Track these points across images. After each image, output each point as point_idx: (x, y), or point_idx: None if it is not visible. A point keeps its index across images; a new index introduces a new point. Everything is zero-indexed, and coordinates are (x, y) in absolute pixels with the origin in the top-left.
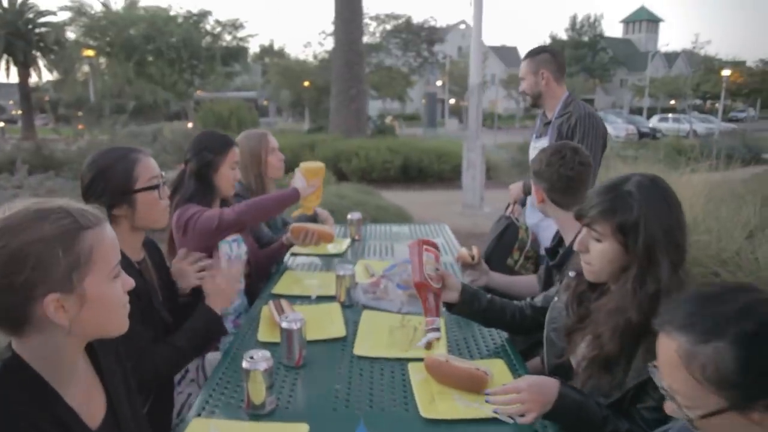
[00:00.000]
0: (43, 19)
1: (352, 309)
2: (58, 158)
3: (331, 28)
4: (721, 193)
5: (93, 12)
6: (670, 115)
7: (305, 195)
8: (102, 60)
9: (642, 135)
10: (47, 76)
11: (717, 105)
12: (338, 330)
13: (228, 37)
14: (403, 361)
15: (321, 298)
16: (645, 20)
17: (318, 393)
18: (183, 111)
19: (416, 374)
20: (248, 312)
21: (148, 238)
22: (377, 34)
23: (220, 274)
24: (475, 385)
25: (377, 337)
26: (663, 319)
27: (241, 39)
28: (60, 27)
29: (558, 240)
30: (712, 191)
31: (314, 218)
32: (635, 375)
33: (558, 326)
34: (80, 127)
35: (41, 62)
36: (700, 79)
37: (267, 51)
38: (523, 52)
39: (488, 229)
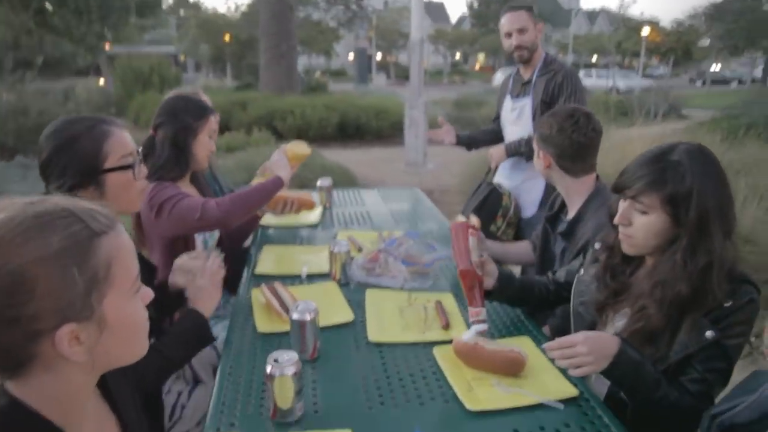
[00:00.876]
0: None
1: (348, 287)
2: None
3: None
4: None
5: None
6: (593, 71)
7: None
8: None
9: None
10: None
11: (635, 62)
12: (345, 314)
13: None
14: (426, 345)
15: (312, 277)
16: None
17: (344, 391)
18: (93, 66)
19: (445, 360)
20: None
21: None
22: None
23: (201, 272)
24: (513, 368)
25: (389, 319)
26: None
27: None
28: None
29: (560, 206)
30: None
31: None
32: (680, 348)
33: (586, 300)
34: None
35: None
36: (623, 37)
37: (182, 2)
38: (449, 8)
39: (434, 186)
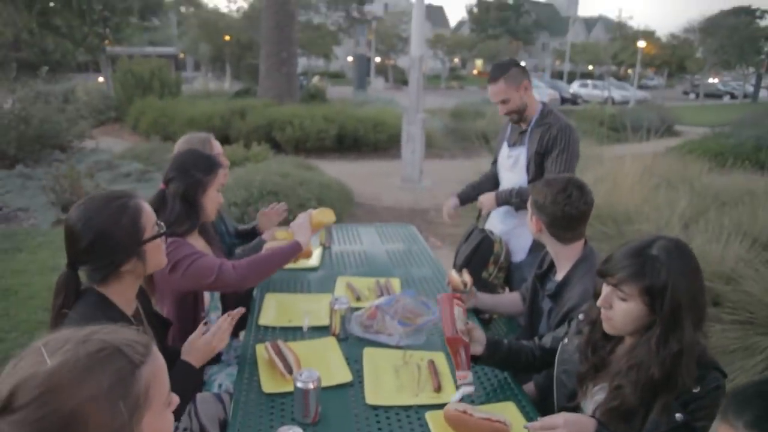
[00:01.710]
0: None
1: (347, 342)
2: None
3: None
4: (655, 178)
5: None
6: (589, 81)
7: (307, 248)
8: None
9: (564, 100)
10: None
11: (630, 71)
12: (344, 375)
13: None
14: (419, 409)
15: (313, 329)
16: None
17: None
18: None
19: (437, 426)
20: (237, 342)
21: None
22: None
23: (209, 332)
24: None
25: (385, 379)
26: (728, 411)
27: None
28: None
29: (549, 265)
30: (644, 176)
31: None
32: (651, 428)
33: (569, 369)
34: None
35: None
36: (619, 48)
37: None
38: (449, 12)
39: (430, 204)
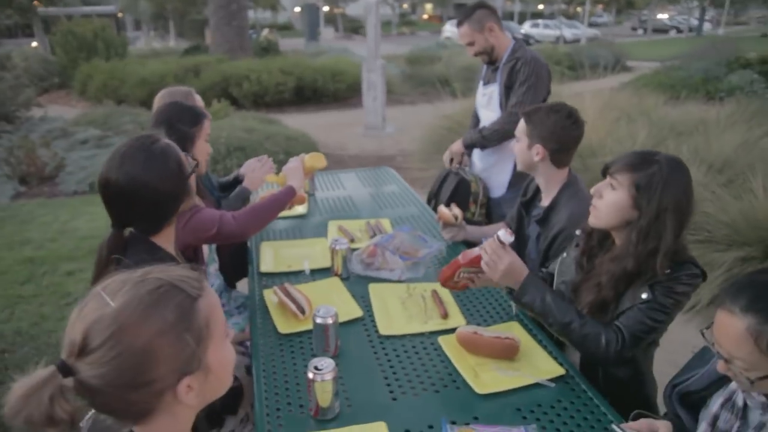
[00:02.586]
0: None
1: (350, 281)
2: None
3: None
4: (615, 112)
5: None
6: (540, 21)
7: (301, 192)
8: None
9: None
10: None
11: (579, 9)
12: (354, 310)
13: None
14: (430, 335)
15: (314, 272)
16: None
17: (369, 384)
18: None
19: (450, 349)
20: (234, 293)
21: None
22: None
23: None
24: (508, 353)
25: (393, 311)
26: (726, 300)
27: None
28: None
29: (534, 192)
30: (605, 111)
31: None
32: (621, 308)
33: (566, 280)
34: None
35: None
36: None
37: None
38: None
39: (395, 151)
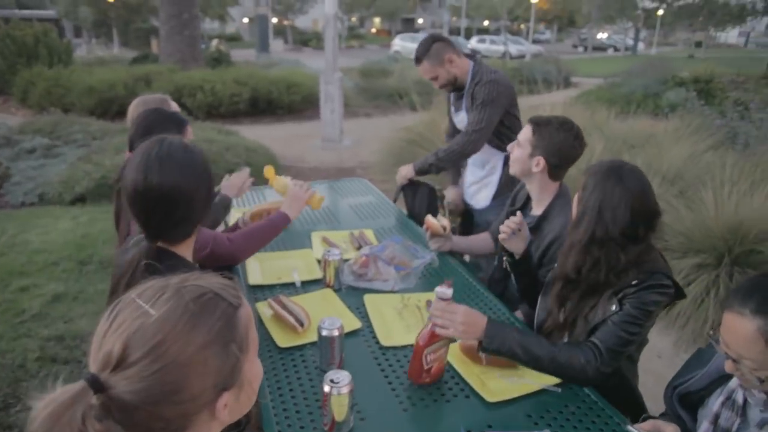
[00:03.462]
0: None
1: (343, 292)
2: None
3: None
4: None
5: None
6: (486, 37)
7: (294, 217)
8: None
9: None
10: None
11: (522, 27)
12: (352, 321)
13: None
14: None
15: (304, 284)
16: None
17: (378, 396)
18: None
19: (454, 358)
20: None
21: None
22: None
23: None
24: (509, 361)
25: (391, 322)
26: (735, 303)
27: None
28: None
29: (524, 202)
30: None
31: None
32: (590, 321)
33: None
34: None
35: None
36: (514, 3)
37: None
38: None
39: (355, 163)
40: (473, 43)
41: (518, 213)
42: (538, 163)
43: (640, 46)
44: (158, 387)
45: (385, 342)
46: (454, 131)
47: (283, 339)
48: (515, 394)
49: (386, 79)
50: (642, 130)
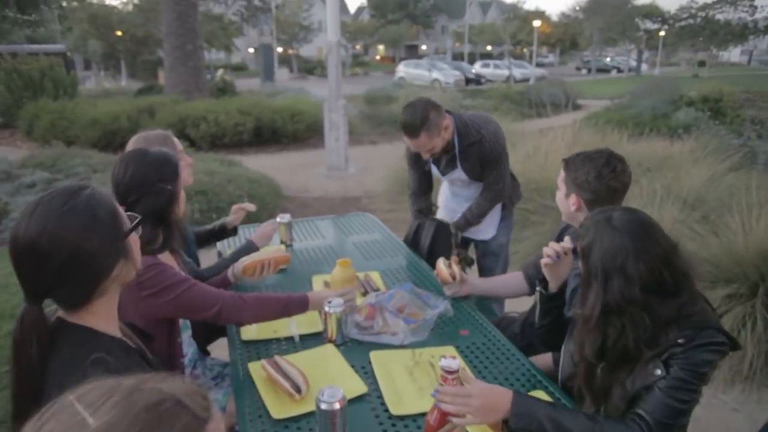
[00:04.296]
0: None
1: (346, 347)
2: None
3: None
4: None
5: None
6: (490, 61)
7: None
8: None
9: (468, 81)
10: None
11: (525, 50)
12: (357, 385)
13: None
14: None
15: (303, 337)
16: None
17: None
18: None
19: (476, 428)
20: (217, 367)
21: None
22: None
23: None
24: None
25: (402, 385)
26: None
27: None
28: None
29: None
30: (573, 148)
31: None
32: (631, 387)
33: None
34: None
35: None
36: (516, 28)
37: None
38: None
39: (360, 192)
40: (477, 68)
41: (567, 238)
42: (574, 202)
43: (644, 67)
44: None
45: (395, 410)
46: (426, 187)
47: (278, 409)
48: None
49: (391, 106)
50: (656, 152)
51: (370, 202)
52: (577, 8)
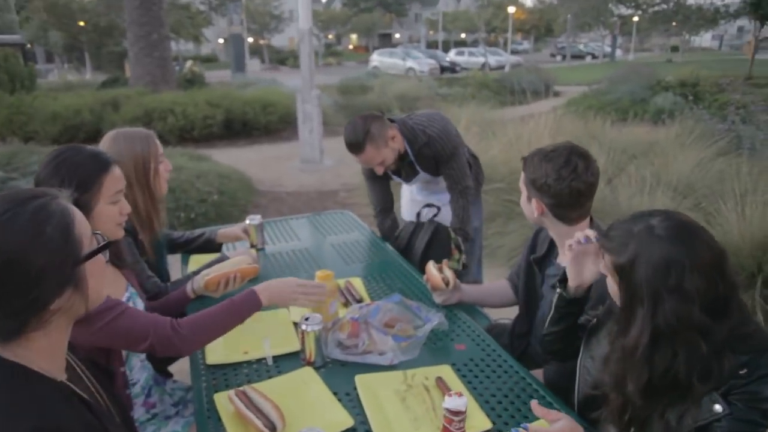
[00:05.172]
0: None
1: (327, 370)
2: None
3: None
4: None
5: None
6: (465, 49)
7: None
8: None
9: (443, 69)
10: None
11: (500, 38)
12: (341, 418)
13: None
14: None
15: (278, 359)
16: None
17: None
18: None
19: None
20: (172, 385)
21: None
22: None
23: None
24: None
25: (393, 414)
26: None
27: None
28: None
29: (548, 248)
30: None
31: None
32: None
33: (594, 354)
34: None
35: None
36: (491, 15)
37: None
38: None
39: (337, 185)
40: (452, 55)
41: (588, 230)
42: (536, 207)
43: (618, 52)
44: None
45: None
46: (389, 200)
47: None
48: None
49: (366, 95)
50: (641, 138)
51: (348, 195)
52: None
